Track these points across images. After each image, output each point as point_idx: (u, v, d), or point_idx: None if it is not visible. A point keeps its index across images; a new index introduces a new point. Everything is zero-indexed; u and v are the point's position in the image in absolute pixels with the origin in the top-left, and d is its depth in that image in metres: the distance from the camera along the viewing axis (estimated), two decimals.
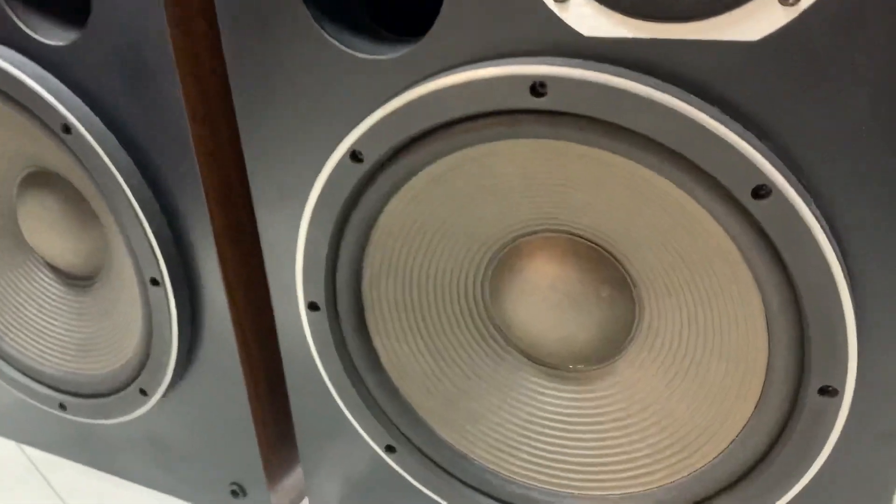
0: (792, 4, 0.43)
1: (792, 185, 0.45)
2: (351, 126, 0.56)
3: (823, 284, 0.47)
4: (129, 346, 0.79)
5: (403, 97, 0.52)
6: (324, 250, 0.60)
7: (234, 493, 0.83)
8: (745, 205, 0.46)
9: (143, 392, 0.79)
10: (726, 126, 0.45)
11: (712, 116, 0.45)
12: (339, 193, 0.57)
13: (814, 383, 0.50)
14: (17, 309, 0.87)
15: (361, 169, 0.56)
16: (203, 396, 0.78)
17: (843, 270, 0.47)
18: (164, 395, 0.79)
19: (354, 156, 0.55)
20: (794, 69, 0.44)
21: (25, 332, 0.87)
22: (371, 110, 0.55)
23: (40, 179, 0.78)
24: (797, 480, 0.54)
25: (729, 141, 0.45)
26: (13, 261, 0.86)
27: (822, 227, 0.46)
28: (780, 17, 0.43)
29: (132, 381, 0.79)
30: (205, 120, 0.63)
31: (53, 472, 0.95)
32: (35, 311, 0.86)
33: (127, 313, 0.77)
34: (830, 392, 0.50)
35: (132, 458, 0.89)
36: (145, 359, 0.76)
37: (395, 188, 0.57)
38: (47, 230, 0.81)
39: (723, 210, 0.47)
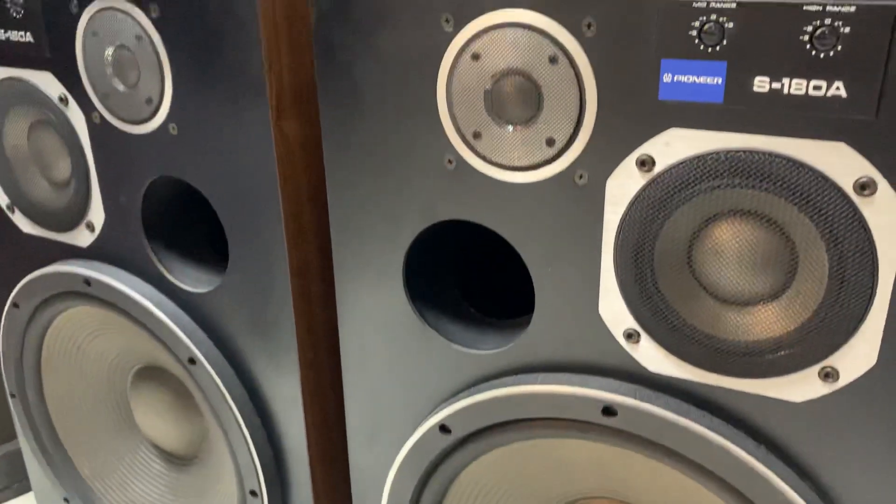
0: (832, 383, 0.50)
1: None
2: (437, 402, 0.65)
3: None
4: None
5: (493, 392, 0.61)
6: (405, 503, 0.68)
7: None
8: None
9: None
10: (769, 466, 0.53)
11: (757, 458, 0.53)
12: (425, 457, 0.66)
13: None
14: (121, 479, 0.96)
15: (448, 439, 0.64)
16: None
17: None
18: None
19: (444, 428, 0.64)
20: (835, 428, 0.51)
21: (125, 501, 0.96)
22: (459, 391, 0.64)
23: (153, 372, 0.89)
24: None
25: (771, 480, 0.52)
26: (122, 435, 0.96)
27: None
28: (820, 389, 0.51)
29: None
30: (314, 364, 0.73)
31: None
32: (136, 483, 0.96)
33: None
34: None
35: None
36: None
37: (475, 457, 0.65)
38: (154, 416, 0.91)
39: None
